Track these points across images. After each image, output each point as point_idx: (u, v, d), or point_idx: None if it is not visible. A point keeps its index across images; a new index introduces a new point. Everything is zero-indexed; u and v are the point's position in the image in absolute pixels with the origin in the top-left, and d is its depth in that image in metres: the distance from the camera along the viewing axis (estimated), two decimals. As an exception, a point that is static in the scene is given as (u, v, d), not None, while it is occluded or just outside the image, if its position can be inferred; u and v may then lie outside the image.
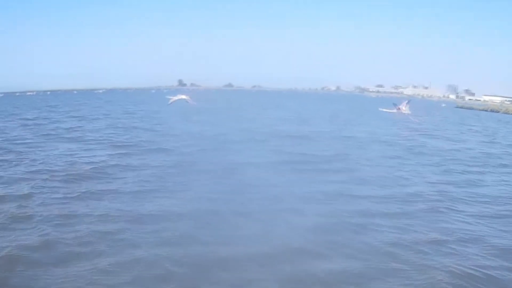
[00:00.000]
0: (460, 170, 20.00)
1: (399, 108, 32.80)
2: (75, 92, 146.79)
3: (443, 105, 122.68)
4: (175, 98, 23.51)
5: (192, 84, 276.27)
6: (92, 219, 11.43)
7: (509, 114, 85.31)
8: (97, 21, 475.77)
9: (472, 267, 9.15)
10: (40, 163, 18.40)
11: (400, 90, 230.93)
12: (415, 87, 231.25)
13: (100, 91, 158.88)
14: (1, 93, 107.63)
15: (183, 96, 23.83)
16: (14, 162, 18.55)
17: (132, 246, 9.85)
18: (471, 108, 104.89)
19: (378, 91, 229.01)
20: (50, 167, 17.71)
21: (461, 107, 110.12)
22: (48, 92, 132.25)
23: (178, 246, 9.86)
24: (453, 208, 13.59)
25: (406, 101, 33.27)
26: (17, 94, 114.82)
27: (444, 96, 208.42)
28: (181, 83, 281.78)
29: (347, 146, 26.00)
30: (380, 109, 32.56)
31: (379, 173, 18.48)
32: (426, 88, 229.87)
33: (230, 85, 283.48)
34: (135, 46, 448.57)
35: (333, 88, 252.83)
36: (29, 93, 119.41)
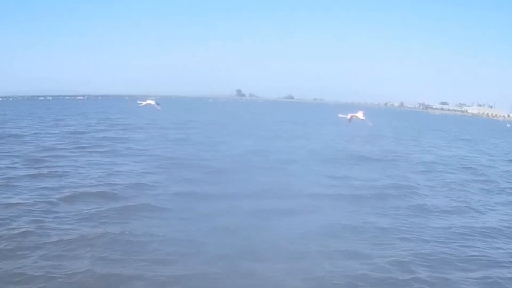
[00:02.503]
0: None
1: (353, 115, 32.87)
2: (126, 98, 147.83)
3: (508, 125, 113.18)
4: (144, 102, 26.43)
5: (251, 95, 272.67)
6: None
7: None
8: (154, 28, 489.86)
9: None
10: (81, 186, 15.58)
11: (464, 108, 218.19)
12: (480, 105, 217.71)
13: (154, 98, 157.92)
14: (50, 96, 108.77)
15: (151, 102, 25.88)
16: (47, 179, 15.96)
17: None
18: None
19: (442, 109, 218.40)
20: (88, 189, 14.79)
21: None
22: (99, 97, 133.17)
23: None
24: None
25: (363, 111, 34.02)
26: (67, 98, 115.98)
27: (509, 116, 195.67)
28: (239, 93, 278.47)
29: (429, 174, 22.28)
30: (339, 115, 32.51)
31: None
32: (491, 107, 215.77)
33: (290, 97, 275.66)
34: (193, 54, 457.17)
35: (397, 104, 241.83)
36: (79, 97, 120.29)
